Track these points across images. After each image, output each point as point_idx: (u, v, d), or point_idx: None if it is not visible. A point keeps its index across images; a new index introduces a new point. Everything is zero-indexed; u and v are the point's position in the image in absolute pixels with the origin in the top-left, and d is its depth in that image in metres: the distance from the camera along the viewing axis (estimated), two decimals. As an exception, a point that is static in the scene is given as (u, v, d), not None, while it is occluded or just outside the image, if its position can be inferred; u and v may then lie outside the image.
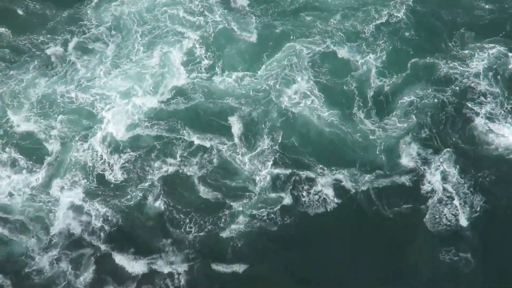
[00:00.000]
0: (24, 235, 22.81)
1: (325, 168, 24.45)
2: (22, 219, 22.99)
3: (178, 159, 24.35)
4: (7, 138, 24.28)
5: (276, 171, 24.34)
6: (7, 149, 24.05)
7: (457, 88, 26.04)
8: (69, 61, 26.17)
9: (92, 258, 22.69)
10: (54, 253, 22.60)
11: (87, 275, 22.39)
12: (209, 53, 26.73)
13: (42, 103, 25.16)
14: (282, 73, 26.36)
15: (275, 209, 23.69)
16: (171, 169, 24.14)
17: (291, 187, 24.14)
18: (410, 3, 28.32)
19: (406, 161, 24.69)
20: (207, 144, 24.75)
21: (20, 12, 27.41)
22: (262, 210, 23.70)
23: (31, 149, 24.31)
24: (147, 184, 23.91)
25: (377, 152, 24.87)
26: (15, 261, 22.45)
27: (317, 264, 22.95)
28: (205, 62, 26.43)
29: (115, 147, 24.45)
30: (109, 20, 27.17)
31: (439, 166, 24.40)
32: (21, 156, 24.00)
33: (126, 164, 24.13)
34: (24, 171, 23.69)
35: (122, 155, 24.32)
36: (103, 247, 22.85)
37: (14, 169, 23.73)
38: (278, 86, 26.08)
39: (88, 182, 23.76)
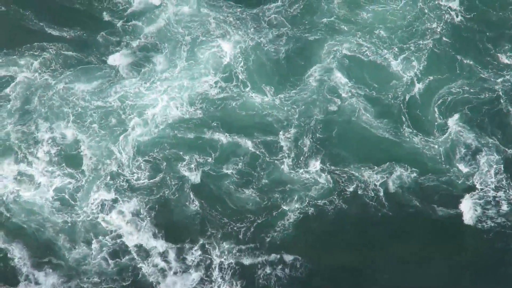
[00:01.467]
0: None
1: (374, 166, 25.06)
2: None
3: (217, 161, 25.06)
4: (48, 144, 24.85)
5: (323, 171, 24.97)
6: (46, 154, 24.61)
7: (505, 95, 26.12)
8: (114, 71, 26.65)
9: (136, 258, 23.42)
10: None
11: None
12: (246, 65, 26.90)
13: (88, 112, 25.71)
14: (325, 84, 26.59)
15: (325, 205, 24.34)
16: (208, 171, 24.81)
17: (340, 185, 24.75)
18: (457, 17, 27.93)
19: (457, 163, 25.15)
20: (248, 144, 25.38)
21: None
22: (310, 207, 24.35)
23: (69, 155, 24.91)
24: (183, 185, 24.56)
25: (426, 153, 25.29)
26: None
27: (370, 260, 23.67)
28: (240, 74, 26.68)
29: (148, 149, 25.11)
30: (146, 33, 27.37)
31: (489, 167, 24.82)
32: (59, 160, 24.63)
33: (161, 165, 24.78)
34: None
35: (155, 155, 24.94)
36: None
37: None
38: (322, 92, 26.46)
39: (122, 183, 24.41)
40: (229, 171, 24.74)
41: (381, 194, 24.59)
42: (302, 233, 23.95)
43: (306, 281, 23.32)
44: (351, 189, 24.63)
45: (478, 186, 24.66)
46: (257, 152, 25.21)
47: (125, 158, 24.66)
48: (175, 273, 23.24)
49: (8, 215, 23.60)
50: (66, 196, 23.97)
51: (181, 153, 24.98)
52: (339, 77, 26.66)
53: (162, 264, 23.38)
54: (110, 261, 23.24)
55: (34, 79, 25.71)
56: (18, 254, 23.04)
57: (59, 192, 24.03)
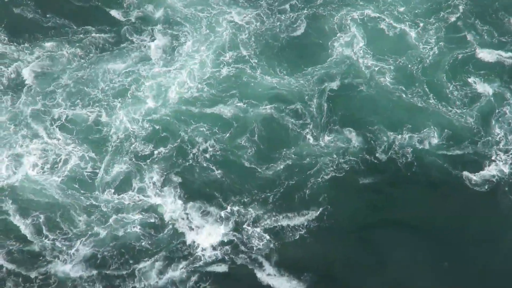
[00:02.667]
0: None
1: (401, 131, 24.99)
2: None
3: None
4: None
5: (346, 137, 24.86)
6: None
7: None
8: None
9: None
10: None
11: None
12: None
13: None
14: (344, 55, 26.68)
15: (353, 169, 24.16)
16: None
17: (367, 148, 24.62)
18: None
19: (486, 131, 25.16)
20: (268, 116, 25.23)
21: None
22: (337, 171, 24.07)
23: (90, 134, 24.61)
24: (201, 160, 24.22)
25: (453, 121, 25.31)
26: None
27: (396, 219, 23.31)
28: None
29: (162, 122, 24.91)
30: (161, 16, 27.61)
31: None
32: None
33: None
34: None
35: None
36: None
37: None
38: (342, 64, 26.56)
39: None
40: (248, 143, 24.48)
41: (410, 157, 24.39)
42: (331, 196, 23.54)
43: (337, 236, 22.94)
44: (378, 153, 24.44)
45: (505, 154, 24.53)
46: (279, 123, 25.02)
47: (144, 133, 24.46)
48: (209, 234, 22.79)
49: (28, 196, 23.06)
50: (86, 177, 23.55)
51: (200, 127, 24.77)
52: (359, 48, 26.77)
53: (197, 227, 22.91)
54: (147, 233, 22.70)
55: (67, 61, 25.93)
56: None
57: (82, 172, 23.65)
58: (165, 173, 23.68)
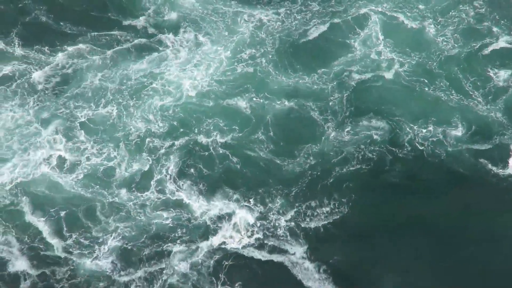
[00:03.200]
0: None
1: (424, 124, 24.72)
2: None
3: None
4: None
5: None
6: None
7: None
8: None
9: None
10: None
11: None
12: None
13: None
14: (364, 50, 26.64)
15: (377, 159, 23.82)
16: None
17: (390, 140, 24.29)
18: None
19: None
20: (288, 110, 25.08)
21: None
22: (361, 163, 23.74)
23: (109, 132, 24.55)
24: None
25: (478, 113, 24.92)
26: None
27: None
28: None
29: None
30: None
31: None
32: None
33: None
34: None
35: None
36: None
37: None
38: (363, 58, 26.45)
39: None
40: (266, 137, 24.24)
41: (434, 150, 24.04)
42: (355, 186, 23.20)
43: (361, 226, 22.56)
44: (401, 145, 24.10)
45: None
46: (300, 117, 24.79)
47: (162, 129, 24.38)
48: (236, 224, 22.58)
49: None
50: (107, 175, 23.46)
51: (217, 121, 24.67)
52: (379, 43, 26.70)
53: (223, 218, 22.73)
54: (174, 226, 22.49)
55: (87, 63, 26.03)
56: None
57: (103, 170, 23.53)
58: (185, 168, 23.49)
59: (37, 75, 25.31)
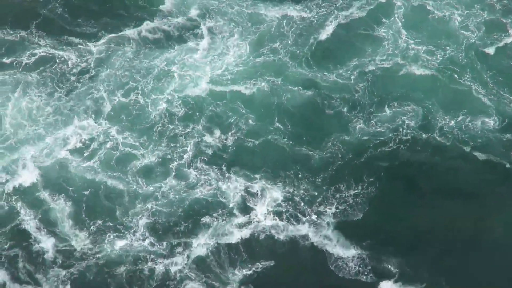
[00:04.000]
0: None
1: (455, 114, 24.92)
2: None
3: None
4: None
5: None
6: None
7: None
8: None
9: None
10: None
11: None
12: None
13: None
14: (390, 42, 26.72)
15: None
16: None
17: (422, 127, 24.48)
18: None
19: None
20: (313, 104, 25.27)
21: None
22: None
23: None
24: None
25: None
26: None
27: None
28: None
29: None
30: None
31: None
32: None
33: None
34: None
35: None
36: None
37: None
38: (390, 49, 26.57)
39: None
40: (289, 123, 24.63)
41: (465, 139, 24.22)
42: (384, 172, 23.49)
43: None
44: (431, 134, 24.32)
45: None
46: (326, 105, 25.02)
47: (184, 115, 24.88)
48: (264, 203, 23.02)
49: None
50: (132, 161, 23.86)
51: (239, 107, 25.05)
52: (405, 33, 26.87)
53: (252, 197, 23.17)
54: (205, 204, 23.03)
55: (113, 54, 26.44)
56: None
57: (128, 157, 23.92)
58: (209, 150, 23.90)
59: (66, 63, 25.78)
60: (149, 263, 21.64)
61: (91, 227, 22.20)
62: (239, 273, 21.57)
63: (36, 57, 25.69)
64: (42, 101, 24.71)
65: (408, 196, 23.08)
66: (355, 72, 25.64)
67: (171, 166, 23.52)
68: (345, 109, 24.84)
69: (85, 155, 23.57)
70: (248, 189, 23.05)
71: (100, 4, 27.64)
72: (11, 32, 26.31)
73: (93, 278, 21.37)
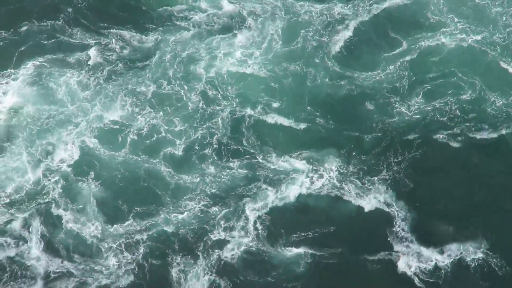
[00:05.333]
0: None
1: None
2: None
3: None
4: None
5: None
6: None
7: None
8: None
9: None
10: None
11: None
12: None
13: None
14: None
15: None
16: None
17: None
18: None
19: None
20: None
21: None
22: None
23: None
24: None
25: None
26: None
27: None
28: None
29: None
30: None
31: None
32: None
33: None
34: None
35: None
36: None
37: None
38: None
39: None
40: (323, 113, 25.29)
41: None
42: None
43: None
44: (475, 115, 24.90)
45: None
46: (370, 90, 25.73)
47: (221, 100, 25.75)
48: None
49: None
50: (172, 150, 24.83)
51: (274, 91, 25.86)
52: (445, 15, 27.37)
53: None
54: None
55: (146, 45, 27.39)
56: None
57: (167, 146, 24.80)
58: (250, 132, 24.80)
59: (113, 50, 26.89)
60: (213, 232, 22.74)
61: (133, 212, 23.05)
62: (298, 238, 22.53)
63: (84, 44, 26.79)
64: (88, 85, 25.76)
65: (458, 172, 23.76)
66: (397, 55, 26.19)
67: (211, 148, 24.34)
68: (387, 91, 25.46)
69: (126, 140, 24.43)
70: (287, 168, 23.96)
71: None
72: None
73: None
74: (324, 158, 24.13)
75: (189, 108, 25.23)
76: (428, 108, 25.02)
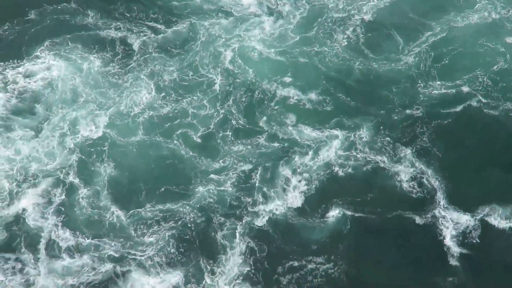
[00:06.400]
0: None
1: None
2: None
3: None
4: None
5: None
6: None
7: None
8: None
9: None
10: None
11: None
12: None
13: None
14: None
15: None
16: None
17: None
18: None
19: None
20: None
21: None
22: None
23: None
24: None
25: None
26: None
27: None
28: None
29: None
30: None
31: None
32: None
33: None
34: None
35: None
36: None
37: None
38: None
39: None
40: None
41: None
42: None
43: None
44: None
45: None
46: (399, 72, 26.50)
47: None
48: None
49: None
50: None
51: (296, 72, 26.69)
52: None
53: None
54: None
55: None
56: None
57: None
58: (278, 108, 25.68)
59: (146, 40, 27.66)
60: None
61: (161, 189, 23.63)
62: (336, 203, 23.30)
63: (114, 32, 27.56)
64: (114, 67, 26.54)
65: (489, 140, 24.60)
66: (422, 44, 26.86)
67: (237, 125, 25.12)
68: (414, 67, 26.20)
69: (153, 122, 25.15)
70: (328, 135, 24.90)
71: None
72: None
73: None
74: (356, 128, 24.90)
75: (217, 90, 25.92)
76: (458, 81, 25.64)
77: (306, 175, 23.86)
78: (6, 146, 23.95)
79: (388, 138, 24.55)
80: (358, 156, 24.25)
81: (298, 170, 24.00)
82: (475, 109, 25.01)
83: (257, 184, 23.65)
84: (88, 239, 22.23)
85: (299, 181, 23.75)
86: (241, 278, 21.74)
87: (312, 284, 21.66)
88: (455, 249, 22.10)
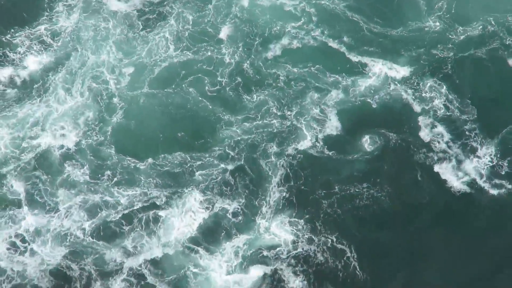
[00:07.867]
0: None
1: None
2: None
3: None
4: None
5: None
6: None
7: None
8: None
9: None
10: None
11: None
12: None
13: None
14: None
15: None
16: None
17: None
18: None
19: None
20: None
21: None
22: None
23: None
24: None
25: None
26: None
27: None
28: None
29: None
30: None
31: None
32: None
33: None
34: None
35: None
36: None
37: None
38: None
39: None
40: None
41: None
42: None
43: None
44: None
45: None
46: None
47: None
48: None
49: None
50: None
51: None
52: None
53: None
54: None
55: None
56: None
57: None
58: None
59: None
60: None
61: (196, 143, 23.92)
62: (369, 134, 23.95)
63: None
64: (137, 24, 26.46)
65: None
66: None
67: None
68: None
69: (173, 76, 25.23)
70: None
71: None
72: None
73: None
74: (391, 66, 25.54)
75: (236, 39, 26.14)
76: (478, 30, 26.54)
77: (343, 106, 24.48)
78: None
79: (416, 76, 25.21)
80: (391, 88, 25.03)
81: (333, 100, 24.61)
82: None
83: (292, 116, 24.19)
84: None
85: (332, 110, 24.39)
86: (283, 202, 22.13)
87: (358, 204, 22.07)
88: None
